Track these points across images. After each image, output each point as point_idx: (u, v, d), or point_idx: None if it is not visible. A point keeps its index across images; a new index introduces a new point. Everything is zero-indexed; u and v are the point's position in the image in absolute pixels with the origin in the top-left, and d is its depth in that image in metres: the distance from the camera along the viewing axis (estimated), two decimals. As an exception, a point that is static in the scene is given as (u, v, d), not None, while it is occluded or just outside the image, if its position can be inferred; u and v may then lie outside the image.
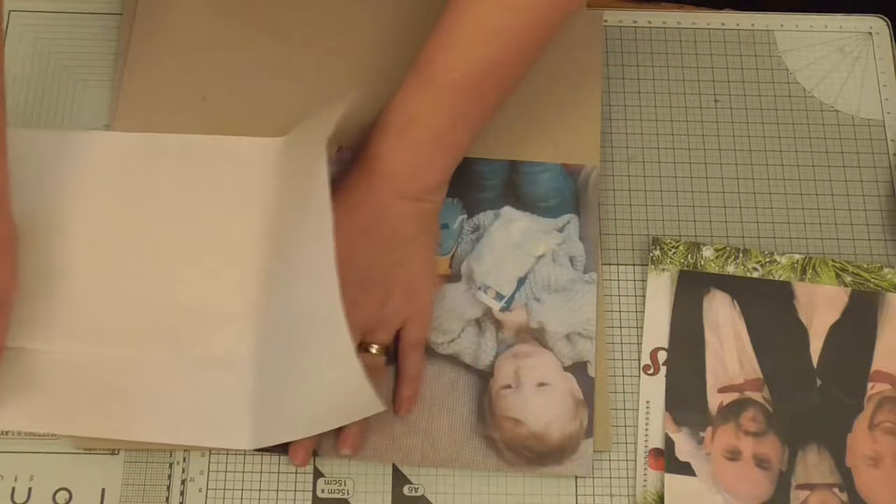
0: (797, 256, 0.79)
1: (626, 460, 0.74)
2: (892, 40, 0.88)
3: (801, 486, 0.73)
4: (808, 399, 0.75)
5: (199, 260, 0.75)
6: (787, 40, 0.87)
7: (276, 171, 0.77)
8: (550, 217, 0.79)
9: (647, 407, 0.75)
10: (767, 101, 0.85)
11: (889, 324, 0.77)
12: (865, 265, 0.79)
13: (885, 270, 0.79)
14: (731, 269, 0.79)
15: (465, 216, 0.79)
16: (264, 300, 0.73)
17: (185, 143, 0.79)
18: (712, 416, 0.75)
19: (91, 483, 0.72)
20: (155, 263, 0.75)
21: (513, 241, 0.79)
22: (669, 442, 0.74)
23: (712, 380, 0.75)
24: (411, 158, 0.73)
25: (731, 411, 0.75)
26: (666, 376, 0.76)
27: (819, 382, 0.76)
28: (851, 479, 0.73)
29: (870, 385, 0.76)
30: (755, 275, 0.78)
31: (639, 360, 0.77)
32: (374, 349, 0.73)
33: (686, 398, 0.75)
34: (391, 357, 0.75)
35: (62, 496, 0.72)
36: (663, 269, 0.79)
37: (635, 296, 0.78)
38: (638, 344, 0.77)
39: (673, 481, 0.73)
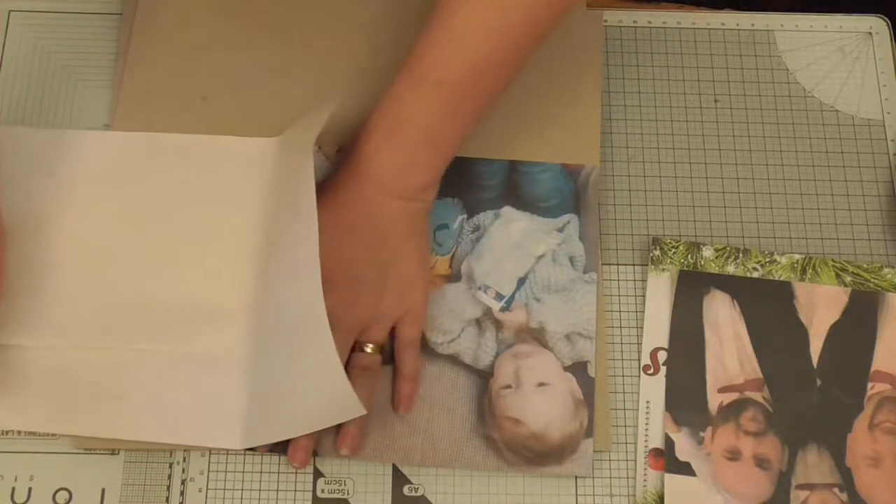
0: (797, 256, 0.79)
1: (626, 460, 0.74)
2: (892, 40, 0.88)
3: (801, 486, 0.73)
4: (808, 399, 0.75)
5: (193, 259, 0.75)
6: (787, 40, 0.87)
7: (267, 172, 0.77)
8: (550, 217, 0.80)
9: (647, 407, 0.75)
10: (767, 101, 0.85)
11: (889, 324, 0.77)
12: (865, 265, 0.79)
13: (885, 270, 0.79)
14: (731, 269, 0.79)
15: (465, 216, 0.79)
16: (257, 300, 0.73)
17: (181, 142, 0.79)
18: (712, 416, 0.75)
19: (91, 483, 0.72)
20: (149, 262, 0.75)
21: (513, 241, 0.79)
22: (669, 442, 0.74)
23: (712, 380, 0.75)
24: (400, 158, 0.73)
25: (731, 411, 0.75)
26: (666, 376, 0.76)
27: (819, 382, 0.76)
28: (851, 479, 0.73)
29: (870, 385, 0.76)
30: (755, 275, 0.78)
31: (639, 360, 0.77)
32: (369, 348, 0.73)
33: (686, 398, 0.75)
34: (388, 356, 0.75)
35: (62, 496, 0.72)
36: (663, 269, 0.79)
37: (635, 296, 0.78)
38: (638, 344, 0.77)
39: (673, 481, 0.73)
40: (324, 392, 0.68)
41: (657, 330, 0.77)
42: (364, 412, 0.68)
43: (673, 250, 0.79)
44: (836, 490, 0.73)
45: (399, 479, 0.73)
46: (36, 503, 0.71)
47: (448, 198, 0.80)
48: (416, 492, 0.73)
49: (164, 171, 0.78)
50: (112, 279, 0.75)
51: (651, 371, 0.76)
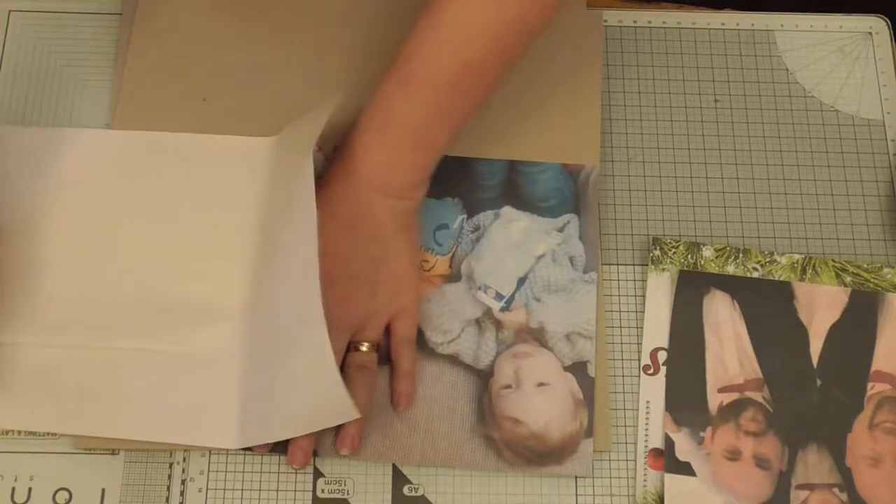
0: (797, 256, 0.79)
1: (626, 460, 0.74)
2: (892, 40, 0.88)
3: (801, 486, 0.73)
4: (808, 399, 0.75)
5: (189, 258, 0.75)
6: (787, 40, 0.87)
7: (266, 171, 0.77)
8: (550, 217, 0.80)
9: (647, 407, 0.75)
10: (767, 101, 0.85)
11: (889, 324, 0.77)
12: (865, 265, 0.79)
13: (885, 270, 0.79)
14: (731, 269, 0.79)
15: (465, 216, 0.79)
16: (254, 300, 0.73)
17: (178, 141, 0.79)
18: (712, 416, 0.75)
19: (91, 483, 0.72)
20: (144, 261, 0.75)
21: (513, 241, 0.79)
22: (669, 442, 0.74)
23: (712, 380, 0.75)
24: (389, 157, 0.73)
25: (731, 411, 0.75)
26: (666, 376, 0.76)
27: (819, 382, 0.75)
28: (851, 479, 0.73)
29: (870, 385, 0.76)
30: (755, 275, 0.78)
31: (639, 360, 0.77)
32: (364, 347, 0.73)
33: (686, 398, 0.75)
34: (384, 356, 0.75)
35: (62, 496, 0.72)
36: (663, 269, 0.79)
37: (635, 296, 0.78)
38: (638, 344, 0.77)
39: (673, 481, 0.73)
40: (319, 394, 0.68)
41: (657, 330, 0.77)
42: (358, 416, 0.68)
43: (673, 250, 0.79)
44: (836, 490, 0.73)
45: (399, 479, 0.73)
46: (36, 503, 0.71)
47: (448, 198, 0.80)
48: (416, 492, 0.73)
49: (161, 170, 0.78)
50: (107, 278, 0.75)
51: (651, 371, 0.76)
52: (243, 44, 0.84)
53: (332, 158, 0.79)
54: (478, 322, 0.76)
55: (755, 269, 0.79)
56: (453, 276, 0.78)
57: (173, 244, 0.76)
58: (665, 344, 0.77)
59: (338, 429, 0.72)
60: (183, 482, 0.72)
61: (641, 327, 0.77)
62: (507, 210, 0.80)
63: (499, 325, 0.76)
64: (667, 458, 0.74)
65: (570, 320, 0.76)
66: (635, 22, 0.88)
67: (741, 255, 0.79)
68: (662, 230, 0.81)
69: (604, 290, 0.78)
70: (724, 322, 0.77)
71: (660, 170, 0.82)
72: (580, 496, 0.73)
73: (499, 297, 0.77)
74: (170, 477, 0.72)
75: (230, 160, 0.78)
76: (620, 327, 0.77)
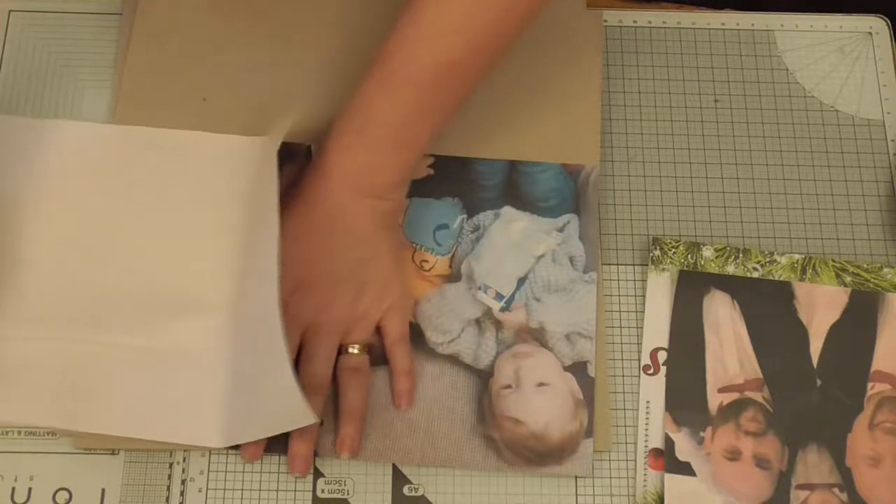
0: (797, 256, 0.79)
1: (626, 460, 0.74)
2: (892, 40, 0.88)
3: (801, 486, 0.73)
4: (808, 399, 0.75)
5: (173, 253, 0.75)
6: (787, 40, 0.87)
7: (246, 171, 0.77)
8: (550, 217, 0.80)
9: (647, 407, 0.75)
10: (767, 101, 0.85)
11: (889, 324, 0.77)
12: (865, 265, 0.79)
13: (885, 270, 0.79)
14: (731, 269, 0.79)
15: (465, 216, 0.79)
16: (230, 298, 0.73)
17: (163, 136, 0.79)
18: (712, 416, 0.75)
19: (91, 483, 0.72)
20: (124, 256, 0.75)
21: (513, 241, 0.79)
22: (669, 442, 0.74)
23: (712, 380, 0.75)
24: (369, 157, 0.73)
25: (731, 411, 0.75)
26: (666, 376, 0.76)
27: (819, 382, 0.75)
28: (851, 479, 0.73)
29: (870, 385, 0.76)
30: (755, 275, 0.78)
31: (639, 360, 0.77)
32: (354, 349, 0.73)
33: (686, 398, 0.75)
34: (380, 358, 0.75)
35: (62, 496, 0.72)
36: (663, 269, 0.79)
37: (635, 296, 0.78)
38: (638, 344, 0.77)
39: (673, 481, 0.73)
40: (278, 398, 0.68)
41: (657, 330, 0.77)
42: (315, 420, 0.68)
43: (673, 250, 0.79)
44: (836, 490, 0.73)
45: (399, 479, 0.73)
46: (36, 503, 0.71)
47: (448, 198, 0.80)
48: (416, 492, 0.73)
49: (148, 166, 0.78)
50: (90, 271, 0.75)
51: (651, 371, 0.76)
52: (243, 44, 0.84)
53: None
54: (478, 322, 0.76)
55: (755, 269, 0.79)
56: (453, 276, 0.78)
57: (158, 240, 0.76)
58: (665, 344, 0.77)
59: (337, 431, 0.72)
60: (183, 482, 0.72)
61: (641, 327, 0.77)
62: (507, 210, 0.80)
63: (499, 325, 0.76)
64: (667, 458, 0.74)
65: (570, 320, 0.76)
66: (635, 22, 0.88)
67: (741, 255, 0.79)
68: (662, 230, 0.81)
69: (604, 290, 0.78)
70: (724, 322, 0.77)
71: (660, 170, 0.82)
72: (580, 496, 0.73)
73: (499, 297, 0.77)
74: (170, 477, 0.72)
75: (218, 157, 0.78)
76: (620, 327, 0.77)
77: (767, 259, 0.79)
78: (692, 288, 0.78)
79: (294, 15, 0.85)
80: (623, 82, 0.85)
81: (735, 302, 0.77)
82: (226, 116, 0.80)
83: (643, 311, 0.78)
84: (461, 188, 0.80)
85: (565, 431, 0.73)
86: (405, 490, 0.73)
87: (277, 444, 0.71)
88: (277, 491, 0.72)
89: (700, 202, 0.81)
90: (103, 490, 0.72)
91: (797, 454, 0.74)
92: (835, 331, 0.77)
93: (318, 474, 0.73)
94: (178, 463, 0.73)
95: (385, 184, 0.74)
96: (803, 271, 0.79)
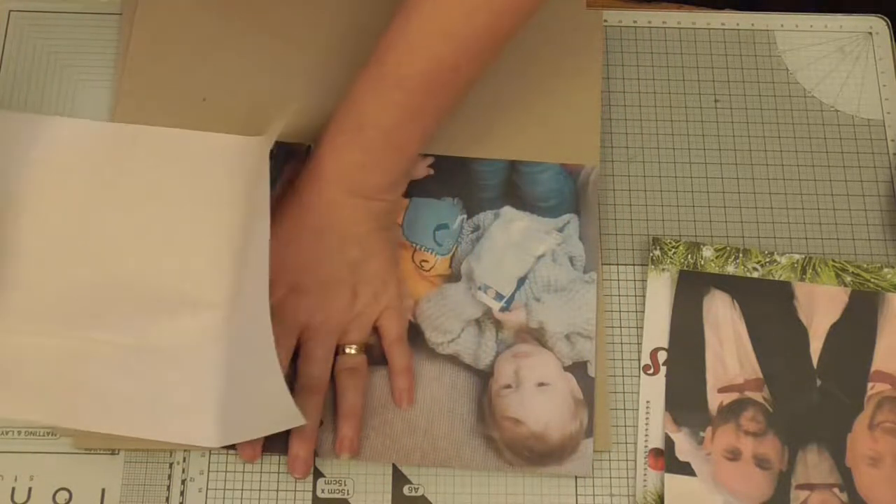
0: (797, 256, 0.79)
1: (626, 460, 0.74)
2: (892, 40, 0.88)
3: (801, 486, 0.73)
4: (808, 399, 0.75)
5: (165, 251, 0.75)
6: (787, 40, 0.87)
7: (240, 170, 0.77)
8: (550, 217, 0.80)
9: (647, 407, 0.75)
10: (767, 101, 0.85)
11: (889, 324, 0.77)
12: (865, 265, 0.79)
13: (885, 270, 0.79)
14: (731, 269, 0.79)
15: (465, 216, 0.79)
16: (227, 295, 0.73)
17: (157, 135, 0.79)
18: (712, 416, 0.75)
19: (91, 483, 0.72)
20: (119, 252, 0.75)
21: (513, 241, 0.79)
22: (669, 442, 0.74)
23: (712, 380, 0.75)
24: (361, 158, 0.73)
25: (731, 411, 0.75)
26: (666, 376, 0.76)
27: (819, 382, 0.75)
28: (851, 479, 0.73)
29: (870, 385, 0.75)
30: (755, 275, 0.78)
31: (639, 360, 0.77)
32: (351, 350, 0.73)
33: (686, 398, 0.75)
34: (380, 358, 0.75)
35: (62, 496, 0.72)
36: (663, 269, 0.79)
37: (635, 296, 0.78)
38: (638, 344, 0.77)
39: (673, 481, 0.73)
40: (268, 399, 0.68)
41: (657, 330, 0.77)
42: (304, 422, 0.68)
43: (673, 250, 0.79)
44: (836, 490, 0.73)
45: (399, 479, 0.73)
46: (36, 503, 0.71)
47: (448, 198, 0.80)
48: (416, 492, 0.73)
49: (141, 163, 0.78)
50: (81, 268, 0.75)
51: (651, 371, 0.76)
52: (243, 44, 0.84)
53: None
54: (478, 322, 0.76)
55: (755, 269, 0.79)
56: (453, 276, 0.78)
57: (152, 237, 0.76)
58: (665, 344, 0.77)
59: (336, 432, 0.72)
60: (183, 482, 0.72)
61: (641, 327, 0.77)
62: (507, 210, 0.80)
63: (499, 325, 0.76)
64: (667, 458, 0.74)
65: (570, 320, 0.76)
66: (635, 22, 0.88)
67: (741, 255, 0.79)
68: (662, 230, 0.81)
69: (604, 290, 0.78)
70: (724, 322, 0.77)
71: (660, 170, 0.82)
72: (580, 496, 0.73)
73: (499, 297, 0.77)
74: (170, 477, 0.72)
75: (212, 156, 0.78)
76: (620, 327, 0.77)
77: (767, 259, 0.79)
78: (692, 288, 0.78)
79: (294, 15, 0.85)
80: (623, 82, 0.85)
81: (735, 302, 0.77)
82: (226, 116, 0.80)
83: (643, 311, 0.78)
84: (461, 188, 0.80)
85: (565, 431, 0.73)
86: (405, 490, 0.73)
87: (277, 444, 0.71)
88: (277, 491, 0.72)
89: (700, 202, 0.81)
90: (103, 490, 0.72)
91: (797, 454, 0.74)
92: (835, 331, 0.77)
93: (318, 474, 0.73)
94: (178, 463, 0.73)
95: (378, 184, 0.74)
96: (803, 271, 0.79)
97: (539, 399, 0.74)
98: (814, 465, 0.73)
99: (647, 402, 0.75)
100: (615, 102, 0.85)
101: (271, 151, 0.79)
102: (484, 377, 0.75)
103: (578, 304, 0.77)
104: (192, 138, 0.79)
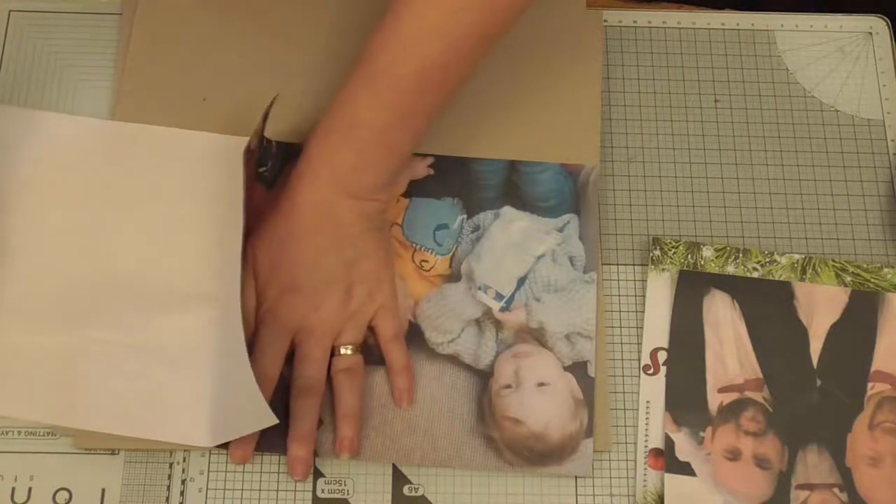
0: (797, 256, 0.79)
1: (626, 460, 0.74)
2: (892, 40, 0.88)
3: (801, 486, 0.73)
4: (808, 399, 0.75)
5: (158, 250, 0.76)
6: (787, 40, 0.87)
7: (232, 170, 0.77)
8: (550, 217, 0.80)
9: (647, 407, 0.75)
10: (767, 101, 0.85)
11: (889, 324, 0.77)
12: (865, 265, 0.79)
13: (885, 270, 0.79)
14: (731, 269, 0.79)
15: (465, 216, 0.79)
16: (218, 294, 0.73)
17: (153, 133, 0.79)
18: (712, 416, 0.75)
19: (91, 483, 0.72)
20: (113, 251, 0.75)
21: (513, 241, 0.79)
22: (669, 442, 0.74)
23: (712, 380, 0.75)
24: (353, 159, 0.73)
25: (731, 411, 0.75)
26: (666, 376, 0.76)
27: (819, 382, 0.75)
28: (851, 479, 0.73)
29: (870, 385, 0.75)
30: (755, 275, 0.78)
31: (639, 360, 0.77)
32: (347, 350, 0.73)
33: (686, 398, 0.75)
34: (379, 358, 0.75)
35: (62, 496, 0.72)
36: (663, 269, 0.79)
37: (635, 296, 0.78)
38: (638, 344, 0.77)
39: (673, 481, 0.73)
40: (242, 399, 0.68)
41: (657, 330, 0.77)
42: (276, 421, 0.68)
43: (673, 250, 0.79)
44: (836, 490, 0.73)
45: (399, 479, 0.73)
46: (36, 503, 0.71)
47: (448, 198, 0.80)
48: (416, 492, 0.73)
49: (136, 162, 0.78)
50: (75, 266, 0.75)
51: (651, 371, 0.76)
52: (243, 44, 0.84)
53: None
54: (478, 322, 0.76)
55: (755, 269, 0.79)
56: (453, 276, 0.78)
57: (147, 236, 0.76)
58: (665, 344, 0.77)
59: (336, 432, 0.72)
60: (183, 482, 0.72)
61: (641, 327, 0.77)
62: (507, 210, 0.80)
63: (499, 325, 0.76)
64: (667, 458, 0.74)
65: (570, 320, 0.76)
66: (635, 22, 0.88)
67: (741, 255, 0.79)
68: (662, 230, 0.81)
69: (604, 290, 0.78)
70: (724, 322, 0.77)
71: (660, 170, 0.82)
72: (580, 496, 0.73)
73: (499, 297, 0.77)
74: (170, 477, 0.72)
75: (206, 155, 0.79)
76: (620, 327, 0.77)
77: (767, 259, 0.79)
78: (692, 288, 0.78)
79: (294, 15, 0.85)
80: (623, 82, 0.85)
81: (735, 302, 0.77)
82: (226, 116, 0.80)
83: (643, 311, 0.78)
84: (461, 188, 0.80)
85: (565, 431, 0.73)
86: (405, 490, 0.73)
87: (277, 445, 0.71)
88: (277, 491, 0.72)
89: (700, 202, 0.81)
90: (103, 490, 0.72)
91: (797, 454, 0.74)
92: (835, 331, 0.77)
93: (318, 474, 0.73)
94: (178, 463, 0.73)
95: (371, 184, 0.74)
96: (803, 271, 0.79)
97: (539, 399, 0.74)
98: (814, 465, 0.73)
99: (647, 402, 0.75)
100: (615, 102, 0.85)
101: (271, 151, 0.80)
102: (484, 377, 0.75)
103: (578, 304, 0.77)
104: (190, 138, 0.79)
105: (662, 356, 0.76)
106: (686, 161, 0.83)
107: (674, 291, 0.78)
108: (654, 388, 0.76)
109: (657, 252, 0.79)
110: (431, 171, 0.80)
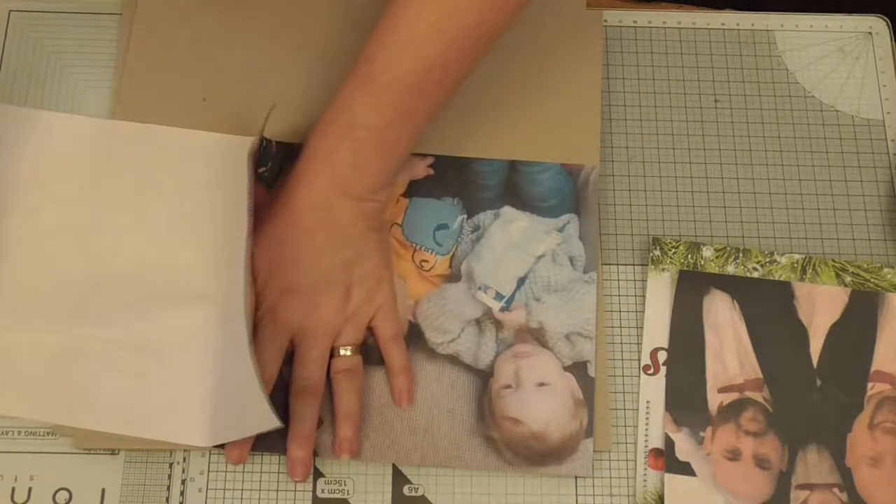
0: (797, 256, 0.79)
1: (626, 460, 0.74)
2: (892, 40, 0.88)
3: (801, 486, 0.73)
4: (808, 399, 0.75)
5: (157, 249, 0.75)
6: (787, 40, 0.87)
7: (231, 169, 0.77)
8: (550, 217, 0.80)
9: (647, 407, 0.75)
10: (767, 101, 0.85)
11: (889, 324, 0.77)
12: (865, 265, 0.79)
13: (885, 270, 0.79)
14: (731, 269, 0.79)
15: (465, 216, 0.79)
16: (217, 294, 0.73)
17: (151, 132, 0.79)
18: (712, 416, 0.75)
19: (91, 483, 0.72)
20: (110, 249, 0.75)
21: (513, 241, 0.79)
22: (669, 442, 0.74)
23: (712, 380, 0.75)
24: (352, 159, 0.73)
25: (731, 411, 0.75)
26: (666, 376, 0.76)
27: (819, 382, 0.75)
28: (851, 479, 0.73)
29: (870, 385, 0.75)
30: (755, 275, 0.78)
31: (639, 360, 0.77)
32: (346, 351, 0.73)
33: (686, 398, 0.75)
34: (379, 358, 0.75)
35: (62, 496, 0.72)
36: (663, 269, 0.79)
37: (635, 296, 0.78)
38: (638, 344, 0.77)
39: (673, 481, 0.73)
40: (245, 400, 0.68)
41: (657, 330, 0.77)
42: (279, 425, 0.68)
43: (673, 250, 0.79)
44: (836, 490, 0.73)
45: (399, 479, 0.73)
46: (36, 503, 0.71)
47: (448, 198, 0.80)
48: (416, 492, 0.73)
49: (130, 159, 0.78)
50: (72, 264, 0.75)
51: (651, 371, 0.76)
52: (243, 44, 0.84)
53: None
54: (478, 322, 0.76)
55: (755, 269, 0.79)
56: (453, 276, 0.78)
57: (144, 234, 0.76)
58: (665, 344, 0.77)
59: (335, 433, 0.72)
60: (183, 482, 0.72)
61: (641, 327, 0.77)
62: (507, 210, 0.80)
63: (499, 325, 0.76)
64: (667, 458, 0.74)
65: (570, 320, 0.76)
66: (635, 22, 0.88)
67: (741, 255, 0.79)
68: (662, 230, 0.81)
69: (604, 290, 0.78)
70: (724, 322, 0.77)
71: (660, 170, 0.82)
72: (580, 496, 0.73)
73: (499, 296, 0.77)
74: (170, 477, 0.72)
75: (205, 154, 0.78)
76: (620, 327, 0.77)
77: (767, 259, 0.79)
78: (692, 288, 0.78)
79: (294, 15, 0.85)
80: (623, 82, 0.85)
81: (735, 302, 0.77)
82: (226, 116, 0.80)
83: (643, 311, 0.78)
84: (461, 188, 0.80)
85: (565, 431, 0.73)
86: (405, 490, 0.73)
87: (278, 445, 0.71)
88: (277, 491, 0.72)
89: (700, 202, 0.81)
90: (103, 490, 0.72)
91: (797, 454, 0.74)
92: (835, 331, 0.77)
93: (318, 474, 0.73)
94: (178, 463, 0.73)
95: (370, 185, 0.74)
96: (803, 271, 0.79)
97: (539, 399, 0.74)
98: (814, 465, 0.73)
99: (647, 402, 0.75)
100: (615, 102, 0.85)
101: (270, 152, 0.80)
102: (484, 377, 0.75)
103: (578, 304, 0.77)
104: (186, 136, 0.79)
105: (662, 356, 0.76)
106: (686, 161, 0.83)
107: (674, 291, 0.78)
108: (654, 388, 0.76)
109: (657, 252, 0.79)
110: (431, 171, 0.80)
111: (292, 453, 0.71)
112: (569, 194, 0.80)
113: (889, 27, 0.88)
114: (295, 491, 0.72)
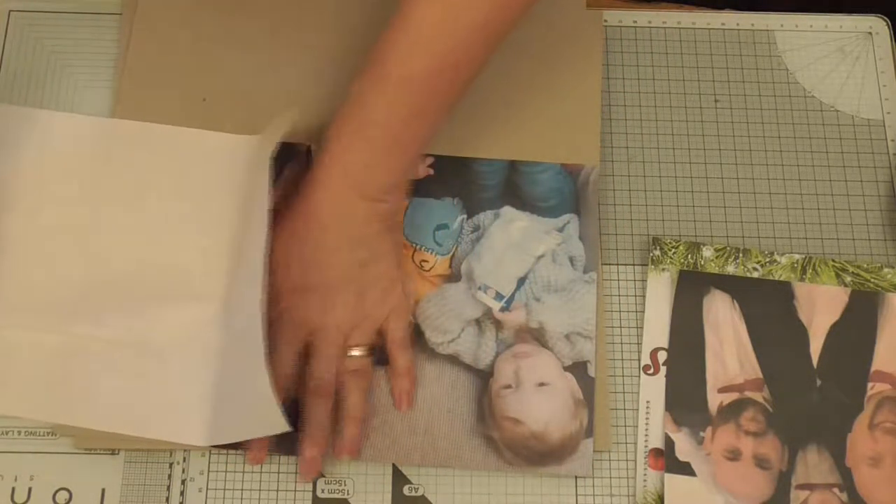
0: (797, 256, 0.79)
1: (626, 460, 0.74)
2: (892, 40, 0.88)
3: (801, 486, 0.73)
4: (808, 399, 0.75)
5: (158, 249, 0.75)
6: (787, 40, 0.87)
7: (237, 169, 0.77)
8: (550, 217, 0.80)
9: (647, 407, 0.75)
10: (767, 101, 0.85)
11: (889, 324, 0.77)
12: (865, 265, 0.79)
13: (885, 270, 0.79)
14: (731, 269, 0.79)
15: (465, 216, 0.79)
16: (221, 294, 0.73)
17: (152, 131, 0.79)
18: (712, 416, 0.75)
19: (91, 483, 0.72)
20: (111, 249, 0.75)
21: (513, 241, 0.79)
22: (669, 442, 0.74)
23: (712, 380, 0.75)
24: (366, 158, 0.73)
25: (731, 411, 0.75)
26: (666, 376, 0.76)
27: (819, 382, 0.76)
28: (851, 479, 0.73)
29: (870, 385, 0.76)
30: (755, 275, 0.78)
31: (639, 360, 0.77)
32: (357, 352, 0.73)
33: (686, 398, 0.75)
34: (385, 357, 0.75)
35: (62, 496, 0.72)
36: (663, 269, 0.79)
37: (635, 296, 0.78)
38: (638, 344, 0.77)
39: (673, 481, 0.73)
40: (255, 402, 0.68)
41: (657, 330, 0.77)
42: (288, 428, 0.68)
43: (673, 250, 0.79)
44: (836, 490, 0.73)
45: (399, 479, 0.73)
46: (36, 503, 0.71)
47: (448, 198, 0.80)
48: (416, 492, 0.73)
49: (132, 159, 0.78)
50: (72, 263, 0.75)
51: (651, 371, 0.76)
52: (243, 44, 0.84)
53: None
54: (478, 322, 0.76)
55: (755, 269, 0.79)
56: (453, 276, 0.78)
57: (145, 234, 0.76)
58: (665, 344, 0.77)
59: (337, 434, 0.72)
60: (183, 482, 0.72)
61: (641, 327, 0.77)
62: (507, 210, 0.80)
63: (499, 325, 0.76)
64: (667, 458, 0.74)
65: (570, 320, 0.76)
66: (635, 22, 0.88)
67: (741, 255, 0.79)
68: (662, 230, 0.81)
69: (604, 290, 0.78)
70: (724, 322, 0.77)
71: (660, 170, 0.82)
72: (580, 496, 0.73)
73: (499, 296, 0.77)
74: (170, 477, 0.72)
75: (208, 154, 0.78)
76: (620, 327, 0.77)
77: (767, 259, 0.79)
78: (692, 288, 0.78)
79: (294, 15, 0.85)
80: (623, 82, 0.85)
81: (735, 302, 0.77)
82: (226, 116, 0.80)
83: (643, 311, 0.78)
84: (461, 188, 0.80)
85: (565, 431, 0.73)
86: (405, 490, 0.73)
87: (284, 445, 0.71)
88: (277, 491, 0.72)
89: (700, 202, 0.82)
90: (103, 490, 0.72)
91: (797, 454, 0.74)
92: (835, 331, 0.77)
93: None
94: (178, 463, 0.73)
95: (384, 184, 0.74)
96: (803, 271, 0.79)
97: (539, 399, 0.74)
98: (814, 465, 0.73)
99: (647, 402, 0.75)
100: (615, 102, 0.85)
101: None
102: (484, 377, 0.75)
103: (578, 304, 0.77)
104: (188, 136, 0.79)
105: (662, 356, 0.76)
106: (686, 161, 0.83)
107: (674, 291, 0.78)
108: (654, 388, 0.76)
109: (657, 252, 0.79)
110: (431, 171, 0.80)
111: (307, 453, 0.71)
112: (569, 194, 0.80)
113: (889, 27, 0.88)
114: (295, 491, 0.72)
